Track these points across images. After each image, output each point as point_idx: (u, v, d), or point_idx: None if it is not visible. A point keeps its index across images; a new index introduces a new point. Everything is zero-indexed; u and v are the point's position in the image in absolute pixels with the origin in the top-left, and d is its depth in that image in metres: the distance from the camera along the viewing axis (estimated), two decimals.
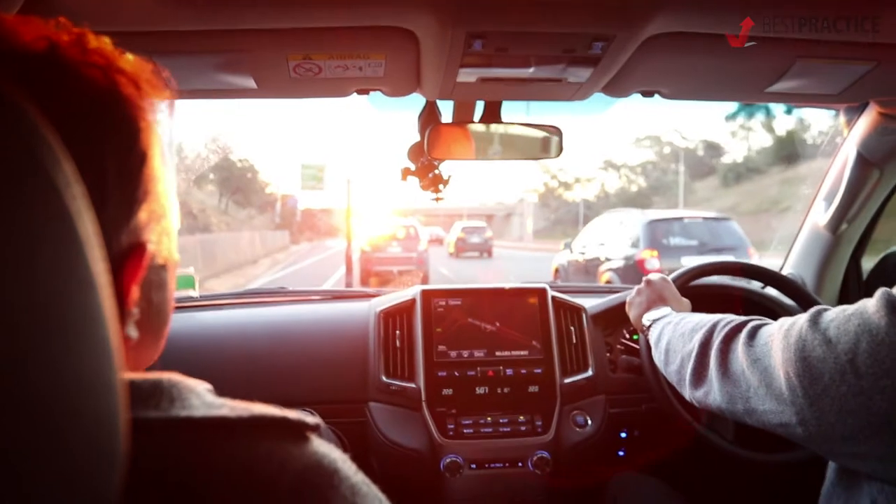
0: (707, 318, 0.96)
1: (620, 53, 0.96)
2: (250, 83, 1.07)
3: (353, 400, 1.39)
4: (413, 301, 1.46)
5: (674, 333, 1.03)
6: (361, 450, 1.36)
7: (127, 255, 0.42)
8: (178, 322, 1.43)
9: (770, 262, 1.94)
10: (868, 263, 1.67)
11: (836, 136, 1.53)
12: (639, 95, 1.20)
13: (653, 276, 1.27)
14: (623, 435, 1.49)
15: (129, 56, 0.44)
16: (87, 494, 0.28)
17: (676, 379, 0.99)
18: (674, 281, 1.28)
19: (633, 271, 7.40)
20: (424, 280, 11.53)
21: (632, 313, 1.25)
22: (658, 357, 1.07)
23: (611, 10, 0.86)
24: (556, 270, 9.78)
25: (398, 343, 1.42)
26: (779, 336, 0.76)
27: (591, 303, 1.56)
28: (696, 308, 1.17)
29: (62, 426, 0.27)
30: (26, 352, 0.25)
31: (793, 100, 1.33)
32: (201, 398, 0.40)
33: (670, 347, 1.02)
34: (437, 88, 1.12)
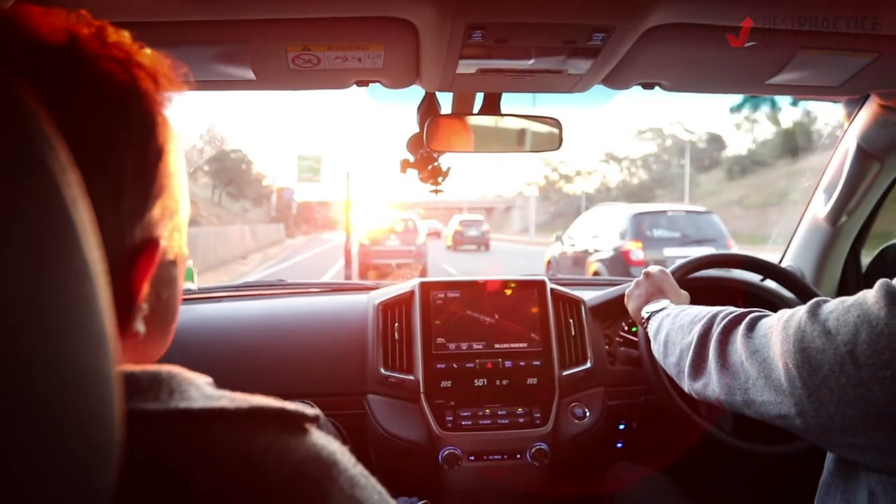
0: (706, 311, 0.96)
1: (620, 45, 0.96)
2: (249, 74, 1.07)
3: (352, 392, 1.39)
4: (412, 293, 1.46)
5: (672, 325, 1.03)
6: (360, 442, 1.36)
7: (140, 250, 0.42)
8: None
9: (768, 257, 1.94)
10: (868, 256, 1.67)
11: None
12: (639, 88, 1.20)
13: (652, 269, 1.27)
14: (622, 427, 1.49)
15: (147, 50, 0.44)
16: (83, 486, 0.28)
17: (675, 371, 0.99)
18: (672, 273, 1.28)
19: (619, 262, 7.66)
20: (423, 273, 11.52)
21: (630, 306, 1.25)
22: (657, 349, 1.07)
23: (611, 1, 0.86)
24: (549, 262, 10.04)
25: (397, 335, 1.42)
26: (778, 327, 0.76)
27: (589, 295, 1.56)
28: (695, 300, 1.17)
29: (56, 418, 0.26)
30: (19, 343, 0.25)
31: (793, 92, 1.32)
32: (200, 390, 0.40)
33: (669, 339, 1.02)
34: (436, 80, 1.11)
